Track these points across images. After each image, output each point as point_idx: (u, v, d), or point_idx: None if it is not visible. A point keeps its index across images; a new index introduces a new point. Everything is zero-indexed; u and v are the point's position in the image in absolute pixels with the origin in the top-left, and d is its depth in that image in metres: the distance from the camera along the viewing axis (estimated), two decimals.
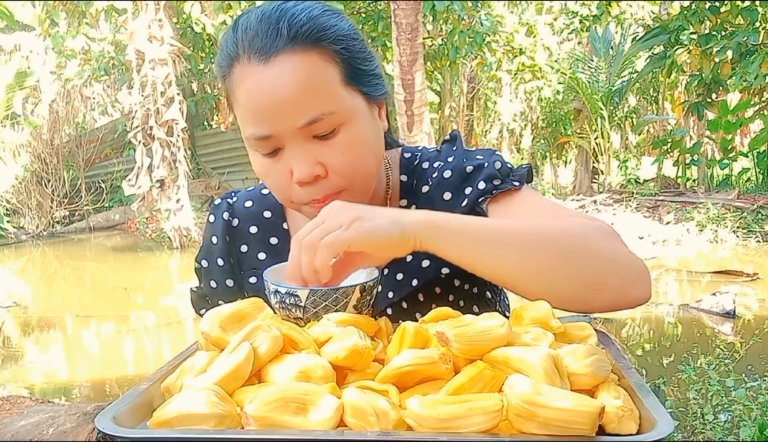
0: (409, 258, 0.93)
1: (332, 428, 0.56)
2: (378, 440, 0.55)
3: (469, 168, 0.93)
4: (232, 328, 0.70)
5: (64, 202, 11.03)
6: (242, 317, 0.72)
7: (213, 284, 1.00)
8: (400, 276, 0.94)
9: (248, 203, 1.02)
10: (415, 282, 0.93)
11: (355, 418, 0.56)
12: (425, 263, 0.93)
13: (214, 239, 0.99)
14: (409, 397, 0.57)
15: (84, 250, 9.58)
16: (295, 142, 0.83)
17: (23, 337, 5.30)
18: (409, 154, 1.00)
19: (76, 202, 11.20)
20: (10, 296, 6.61)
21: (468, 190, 0.91)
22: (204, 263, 1.00)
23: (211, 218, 1.02)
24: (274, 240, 0.99)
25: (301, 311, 0.76)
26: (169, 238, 8.77)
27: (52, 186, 10.91)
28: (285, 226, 1.00)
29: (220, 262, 0.99)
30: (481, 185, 0.90)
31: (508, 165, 0.94)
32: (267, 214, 1.01)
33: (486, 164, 0.92)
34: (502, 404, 0.55)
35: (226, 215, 1.00)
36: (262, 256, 0.99)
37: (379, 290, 0.93)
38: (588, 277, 0.77)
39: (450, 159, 0.96)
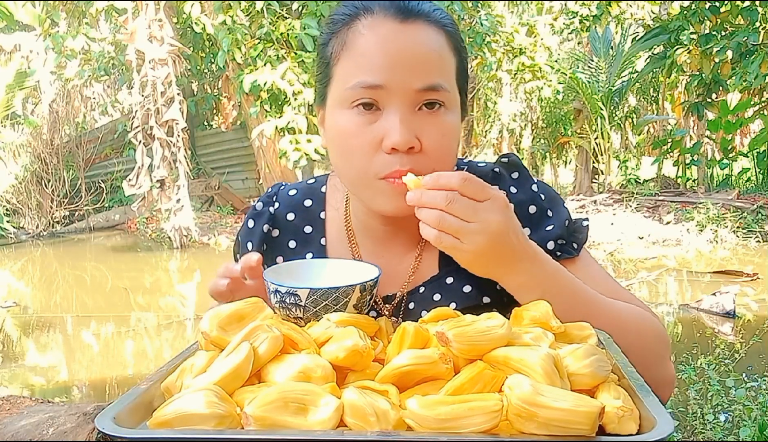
0: (449, 280, 0.92)
1: (332, 428, 0.56)
2: (378, 440, 0.55)
3: (533, 208, 0.93)
4: (232, 328, 0.70)
5: (64, 202, 11.01)
6: (242, 317, 0.72)
7: None
8: (437, 297, 0.93)
9: (290, 216, 1.00)
10: (453, 305, 0.91)
11: (355, 418, 0.56)
12: (467, 289, 0.92)
13: (249, 246, 0.99)
14: (409, 397, 0.57)
15: (84, 250, 9.57)
16: (401, 106, 0.81)
17: (23, 337, 5.29)
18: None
19: (76, 202, 11.19)
20: (10, 295, 6.61)
21: (529, 235, 0.90)
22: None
23: (251, 223, 1.00)
24: (310, 255, 0.98)
25: (301, 310, 0.76)
26: (169, 238, 8.76)
27: (52, 186, 10.89)
28: (323, 241, 0.98)
29: None
30: (550, 245, 0.91)
31: (573, 221, 0.94)
32: (308, 229, 0.99)
33: (551, 213, 0.93)
34: (502, 404, 0.55)
35: (266, 227, 0.98)
36: None
37: (411, 306, 0.93)
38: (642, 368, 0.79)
39: (513, 190, 0.94)
